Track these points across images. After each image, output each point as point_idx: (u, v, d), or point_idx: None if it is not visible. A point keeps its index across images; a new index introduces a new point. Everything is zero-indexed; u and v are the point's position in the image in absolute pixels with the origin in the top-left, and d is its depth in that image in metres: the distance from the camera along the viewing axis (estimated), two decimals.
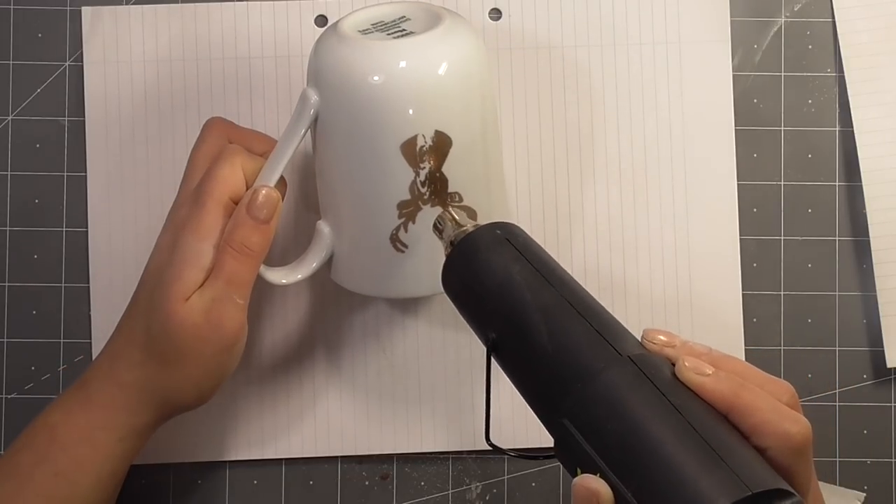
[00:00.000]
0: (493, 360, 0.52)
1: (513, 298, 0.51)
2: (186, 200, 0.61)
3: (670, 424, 0.45)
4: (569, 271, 0.54)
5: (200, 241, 0.58)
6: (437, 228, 0.57)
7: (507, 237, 0.54)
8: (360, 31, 0.59)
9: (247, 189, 0.60)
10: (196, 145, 0.64)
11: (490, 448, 0.53)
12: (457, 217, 0.57)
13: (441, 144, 0.58)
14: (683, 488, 0.43)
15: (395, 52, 0.57)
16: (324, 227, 0.63)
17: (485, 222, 0.56)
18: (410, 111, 0.57)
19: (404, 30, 0.59)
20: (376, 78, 0.57)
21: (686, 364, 0.47)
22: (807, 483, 0.47)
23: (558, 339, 0.49)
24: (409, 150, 0.58)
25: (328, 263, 0.64)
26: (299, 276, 0.63)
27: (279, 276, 0.62)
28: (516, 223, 0.56)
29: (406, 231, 0.60)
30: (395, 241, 0.60)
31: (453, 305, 0.56)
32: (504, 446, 0.54)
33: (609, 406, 0.46)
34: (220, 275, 0.58)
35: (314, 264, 0.63)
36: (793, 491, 0.43)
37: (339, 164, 0.60)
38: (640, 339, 0.50)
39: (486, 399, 0.53)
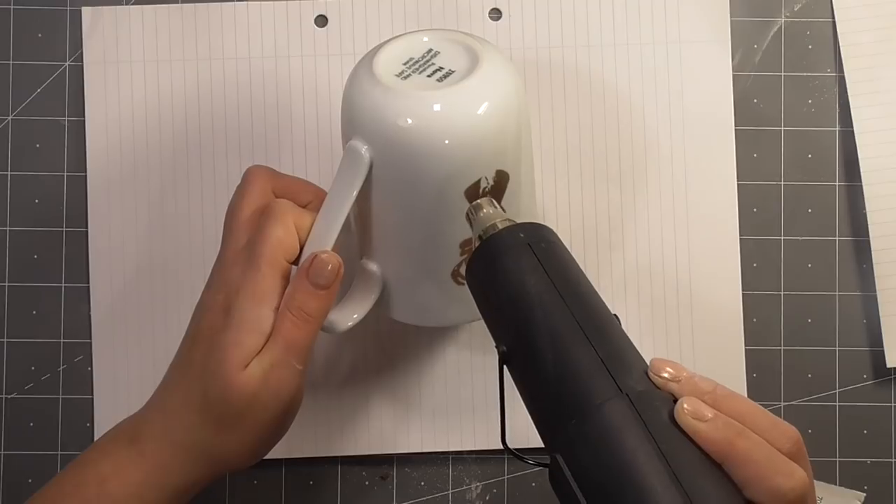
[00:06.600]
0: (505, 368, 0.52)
1: (524, 314, 0.51)
2: (238, 259, 0.59)
3: (655, 473, 0.45)
4: None
5: (258, 307, 0.57)
6: (469, 219, 0.57)
7: (530, 242, 0.53)
8: (396, 76, 0.57)
9: (300, 244, 0.59)
10: (239, 195, 0.61)
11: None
12: (486, 210, 0.56)
13: (501, 182, 0.58)
14: None
15: (454, 102, 0.56)
16: (371, 266, 0.62)
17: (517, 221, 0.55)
18: (474, 159, 0.56)
19: (441, 68, 0.58)
20: (447, 141, 0.55)
21: (685, 407, 0.47)
22: None
23: (562, 365, 0.49)
24: (473, 193, 0.57)
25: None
26: (355, 315, 0.61)
27: (339, 324, 0.61)
28: None
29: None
30: (457, 276, 0.60)
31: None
32: (514, 446, 0.54)
33: (598, 449, 0.46)
34: (279, 340, 0.57)
35: (368, 304, 0.62)
36: None
37: (398, 213, 0.59)
38: (648, 368, 0.49)
39: (500, 404, 0.53)
